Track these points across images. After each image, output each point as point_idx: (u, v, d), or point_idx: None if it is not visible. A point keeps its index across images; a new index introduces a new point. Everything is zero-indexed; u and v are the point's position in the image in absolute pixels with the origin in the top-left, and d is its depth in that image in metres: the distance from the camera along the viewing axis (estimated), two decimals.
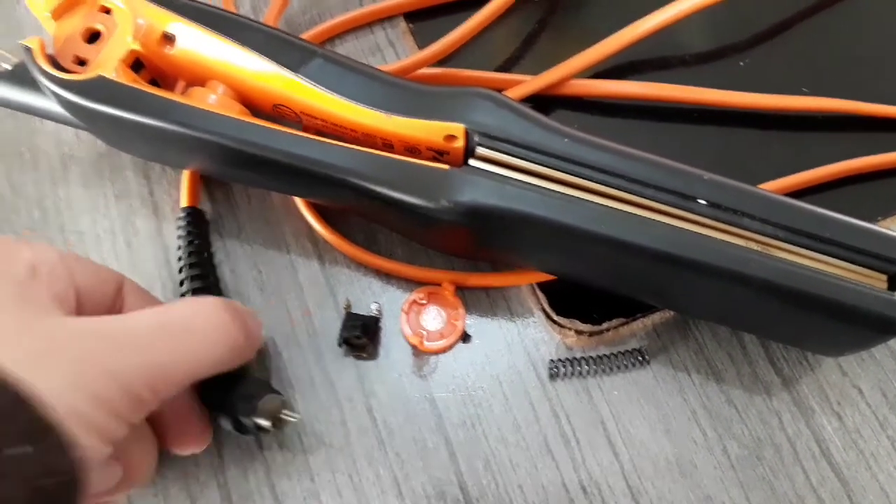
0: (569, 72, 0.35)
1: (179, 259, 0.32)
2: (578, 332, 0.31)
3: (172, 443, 0.27)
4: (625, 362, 0.31)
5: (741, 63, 0.38)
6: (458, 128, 0.28)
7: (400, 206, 0.27)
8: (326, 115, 0.29)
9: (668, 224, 0.26)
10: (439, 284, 0.32)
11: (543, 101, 0.36)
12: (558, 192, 0.27)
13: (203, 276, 0.31)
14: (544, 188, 0.27)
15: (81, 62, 0.30)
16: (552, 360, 0.31)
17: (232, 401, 0.27)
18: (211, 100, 0.30)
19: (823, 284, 0.26)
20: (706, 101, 0.36)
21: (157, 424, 0.27)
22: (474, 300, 0.32)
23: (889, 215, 0.34)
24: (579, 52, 0.35)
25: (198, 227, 0.32)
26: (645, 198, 0.27)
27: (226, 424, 0.28)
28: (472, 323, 0.32)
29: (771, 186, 0.33)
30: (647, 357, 0.31)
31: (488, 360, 0.31)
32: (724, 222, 0.27)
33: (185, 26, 0.30)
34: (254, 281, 0.32)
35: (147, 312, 0.24)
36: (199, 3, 0.30)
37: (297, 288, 0.32)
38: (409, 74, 0.35)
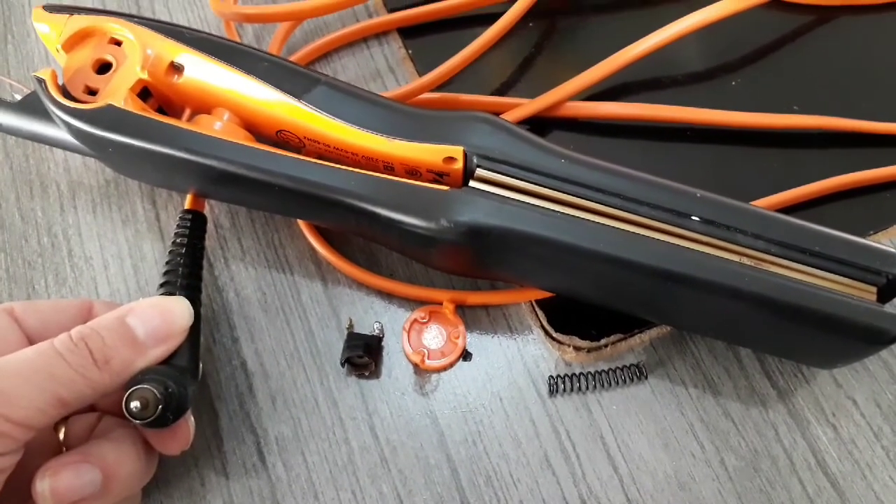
0: (565, 94, 0.36)
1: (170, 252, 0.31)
2: (577, 349, 0.32)
3: (154, 444, 0.28)
4: (623, 377, 0.31)
5: (733, 83, 0.39)
6: (456, 150, 0.29)
7: (401, 227, 0.28)
8: (329, 139, 0.30)
9: (662, 241, 0.27)
10: (440, 303, 0.32)
11: (540, 124, 0.37)
12: (556, 211, 0.27)
13: (170, 278, 0.30)
14: (542, 207, 0.28)
15: (91, 92, 0.31)
16: (551, 376, 0.31)
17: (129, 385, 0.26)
18: (216, 127, 0.31)
19: (815, 297, 0.26)
20: (699, 121, 0.36)
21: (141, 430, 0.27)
22: (474, 318, 0.33)
23: (880, 229, 0.34)
24: (575, 74, 0.36)
25: (185, 228, 0.32)
26: (640, 215, 0.28)
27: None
28: (473, 341, 0.32)
29: (763, 203, 0.34)
30: (644, 372, 0.31)
31: (489, 377, 0.32)
32: (717, 238, 0.27)
33: (192, 56, 0.31)
34: (258, 302, 0.33)
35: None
36: (206, 34, 0.31)
37: (300, 309, 0.33)
38: (409, 100, 0.36)
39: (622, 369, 0.31)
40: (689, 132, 0.37)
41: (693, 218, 0.27)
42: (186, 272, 0.30)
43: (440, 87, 0.37)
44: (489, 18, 0.38)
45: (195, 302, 0.30)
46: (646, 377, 0.31)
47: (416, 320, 0.32)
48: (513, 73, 0.39)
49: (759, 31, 0.40)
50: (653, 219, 0.28)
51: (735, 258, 0.27)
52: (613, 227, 0.27)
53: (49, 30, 0.31)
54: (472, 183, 0.29)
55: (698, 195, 0.28)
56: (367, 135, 0.29)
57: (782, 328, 0.28)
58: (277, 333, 0.33)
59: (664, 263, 0.27)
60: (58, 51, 0.31)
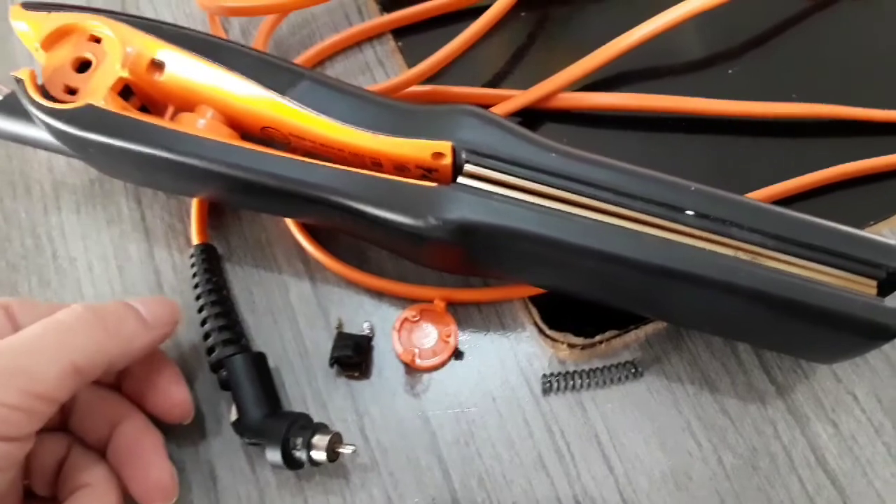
0: (558, 85, 0.35)
1: (198, 298, 0.31)
2: (571, 346, 0.31)
3: (137, 495, 0.27)
4: (618, 375, 0.31)
5: (730, 71, 0.38)
6: (445, 145, 0.28)
7: (389, 224, 0.28)
8: (314, 136, 0.30)
9: (656, 236, 0.26)
10: (431, 301, 0.32)
11: (533, 116, 0.36)
12: (547, 206, 0.27)
13: (230, 326, 0.31)
14: (533, 203, 0.27)
15: (72, 91, 0.30)
16: (545, 375, 0.31)
17: (286, 435, 0.27)
18: (200, 124, 0.30)
19: (813, 292, 0.26)
20: (695, 111, 0.36)
21: (121, 476, 0.27)
22: (466, 316, 0.32)
23: (881, 219, 0.34)
24: (568, 64, 0.35)
25: (212, 265, 0.32)
26: (633, 210, 0.27)
27: (273, 458, 0.27)
28: (465, 339, 0.32)
29: (763, 193, 0.33)
30: (640, 369, 0.31)
31: (481, 376, 0.31)
32: (712, 232, 0.27)
33: (173, 53, 0.30)
34: (245, 302, 0.33)
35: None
36: (187, 29, 0.30)
37: (288, 308, 0.32)
38: (398, 93, 0.36)
39: (617, 367, 0.31)
40: (684, 122, 0.36)
41: (688, 212, 0.27)
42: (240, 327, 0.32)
43: (430, 79, 0.37)
44: (482, 11, 0.37)
45: (249, 347, 0.31)
46: (641, 374, 0.31)
47: (406, 319, 0.31)
48: (505, 64, 0.38)
49: (757, 18, 0.39)
50: (646, 213, 0.27)
51: (731, 253, 0.26)
52: (605, 222, 0.27)
53: (28, 28, 0.31)
54: (460, 179, 0.28)
55: (692, 188, 0.27)
56: (353, 131, 0.29)
57: (780, 324, 0.27)
58: (265, 334, 0.32)
59: (658, 259, 0.26)
60: (37, 49, 0.31)
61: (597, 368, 0.31)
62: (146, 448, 0.28)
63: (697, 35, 0.39)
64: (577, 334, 0.31)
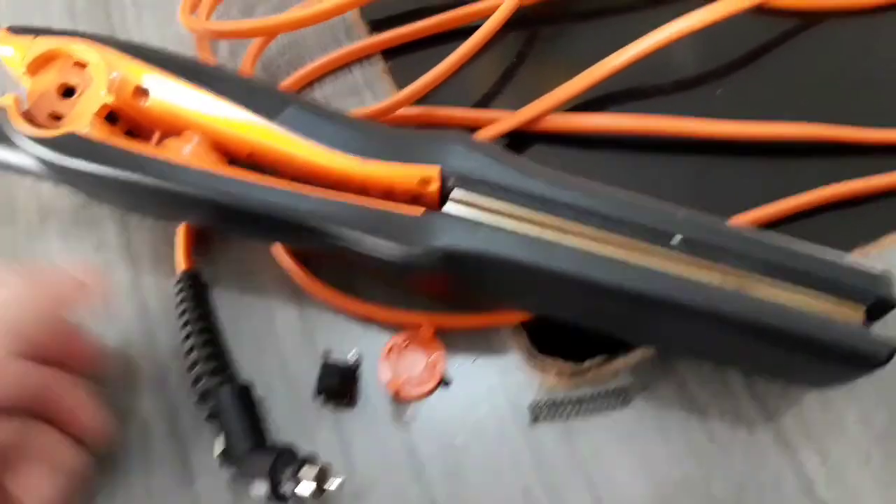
0: (546, 107, 0.35)
1: (184, 326, 0.31)
2: (559, 373, 0.31)
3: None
4: (607, 403, 0.30)
5: (718, 91, 0.38)
6: (432, 171, 0.28)
7: (376, 251, 0.28)
8: (302, 161, 0.30)
9: (643, 265, 0.26)
10: (419, 327, 0.31)
11: (522, 138, 0.36)
12: (534, 234, 0.27)
13: (216, 356, 0.31)
14: (519, 231, 0.27)
15: (57, 117, 0.30)
16: (533, 404, 0.31)
17: (273, 468, 0.27)
18: (186, 150, 0.30)
19: (800, 320, 0.26)
20: (684, 132, 0.35)
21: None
22: (455, 342, 0.32)
23: (871, 240, 0.34)
24: (559, 83, 0.35)
25: (198, 293, 0.32)
26: (621, 236, 0.27)
27: (259, 491, 0.27)
28: (453, 366, 0.31)
29: (751, 216, 0.33)
30: (628, 396, 0.31)
31: (469, 404, 0.31)
32: (699, 258, 0.27)
33: (158, 78, 0.30)
34: (231, 330, 0.32)
35: None
36: (172, 54, 0.30)
37: (274, 336, 0.32)
38: (387, 115, 0.35)
39: (606, 394, 0.31)
40: (674, 143, 0.36)
41: (675, 238, 0.27)
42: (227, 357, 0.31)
43: (420, 100, 0.36)
44: (471, 31, 0.37)
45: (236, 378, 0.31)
46: (630, 402, 0.31)
47: (393, 346, 0.31)
48: (494, 84, 0.38)
49: (746, 37, 0.39)
50: (634, 240, 0.27)
51: (718, 280, 0.26)
52: (591, 250, 0.26)
53: (13, 52, 0.31)
54: (448, 205, 0.28)
55: (680, 215, 0.27)
56: (339, 156, 0.29)
57: (767, 351, 0.27)
58: (251, 362, 0.32)
59: (644, 288, 0.26)
60: (22, 75, 0.30)
61: (585, 397, 0.31)
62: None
63: (686, 55, 0.39)
64: (566, 359, 0.31)
